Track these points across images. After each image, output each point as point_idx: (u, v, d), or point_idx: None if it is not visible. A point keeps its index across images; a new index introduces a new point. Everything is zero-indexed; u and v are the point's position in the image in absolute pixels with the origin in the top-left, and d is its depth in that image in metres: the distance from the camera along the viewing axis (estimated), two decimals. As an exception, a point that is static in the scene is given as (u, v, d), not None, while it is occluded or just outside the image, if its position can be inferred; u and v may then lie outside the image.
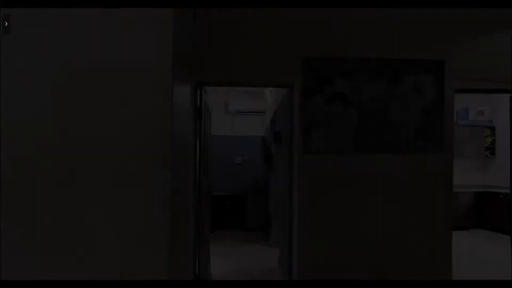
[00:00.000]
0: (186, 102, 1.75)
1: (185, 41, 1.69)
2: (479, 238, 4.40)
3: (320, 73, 2.05)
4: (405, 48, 2.14)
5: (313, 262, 2.04)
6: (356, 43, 2.11)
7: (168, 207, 1.29)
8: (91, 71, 1.24)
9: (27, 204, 1.19)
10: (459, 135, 4.86)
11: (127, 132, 1.24)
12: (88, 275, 1.21)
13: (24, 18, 1.20)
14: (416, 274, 2.12)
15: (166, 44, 1.25)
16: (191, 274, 2.08)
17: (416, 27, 2.17)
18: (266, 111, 4.91)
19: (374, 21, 2.14)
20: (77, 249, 1.22)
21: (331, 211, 2.06)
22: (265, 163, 4.23)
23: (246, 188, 5.20)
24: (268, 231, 4.14)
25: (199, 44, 1.98)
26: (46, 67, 1.22)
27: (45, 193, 1.21)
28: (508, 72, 2.22)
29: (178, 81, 1.41)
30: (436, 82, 2.14)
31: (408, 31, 2.17)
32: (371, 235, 2.09)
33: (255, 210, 4.75)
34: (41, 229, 1.20)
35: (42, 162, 1.20)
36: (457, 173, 5.24)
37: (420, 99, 2.13)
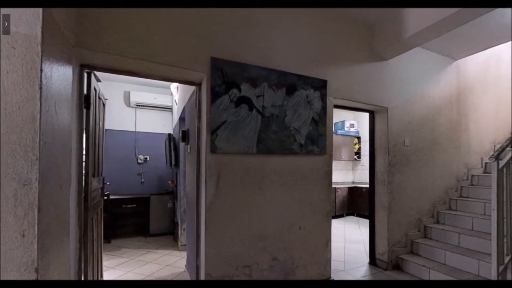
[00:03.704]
0: (67, 88, 1.42)
1: (66, 12, 1.37)
2: (351, 223, 5.44)
3: (228, 75, 2.06)
4: (300, 65, 2.41)
5: (221, 261, 2.02)
6: (261, 53, 2.23)
7: (34, 217, 1.01)
8: None
9: None
10: (338, 142, 5.98)
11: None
12: None
13: None
14: (306, 257, 2.40)
15: (32, 9, 0.97)
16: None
17: (307, 49, 2.47)
18: (174, 107, 4.62)
19: (276, 35, 2.31)
20: None
21: (237, 209, 2.09)
22: (172, 163, 3.97)
23: (151, 189, 4.75)
24: (176, 235, 3.92)
25: (90, 19, 1.61)
26: None
27: None
28: (366, 96, 2.86)
29: (52, 58, 1.12)
30: (321, 98, 2.51)
31: (303, 50, 2.44)
32: (272, 228, 2.24)
33: (161, 213, 4.37)
34: None
35: None
36: (336, 172, 6.51)
37: (310, 111, 2.45)
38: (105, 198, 3.25)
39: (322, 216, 2.53)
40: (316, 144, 2.49)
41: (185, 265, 2.96)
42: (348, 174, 6.77)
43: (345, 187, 6.08)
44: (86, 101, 1.81)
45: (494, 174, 2.23)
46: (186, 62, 1.95)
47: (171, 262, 3.18)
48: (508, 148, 2.35)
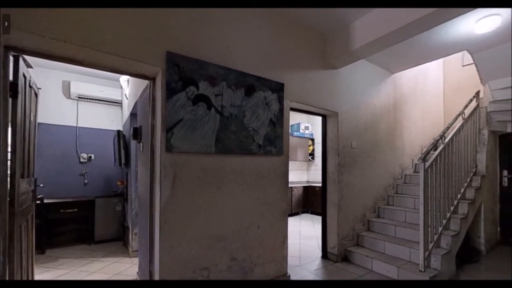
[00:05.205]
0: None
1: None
2: (305, 220, 5.69)
3: (185, 72, 1.96)
4: (258, 67, 2.42)
5: (177, 265, 1.90)
6: (220, 52, 2.17)
7: None
8: None
9: None
10: (294, 144, 6.20)
11: None
12: None
13: None
14: (264, 255, 2.41)
15: None
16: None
17: (266, 52, 2.50)
18: (124, 102, 4.23)
19: (236, 36, 2.29)
20: None
21: (194, 210, 2.00)
22: (121, 162, 3.63)
23: (96, 191, 4.27)
24: (126, 240, 3.58)
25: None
26: None
27: None
28: (319, 101, 3.00)
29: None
30: (279, 100, 2.56)
31: (262, 53, 2.46)
32: (231, 228, 2.20)
33: (108, 217, 3.94)
34: None
35: None
36: (292, 172, 6.77)
37: (268, 112, 2.47)
38: (38, 202, 2.80)
39: (279, 214, 2.57)
40: (273, 145, 2.52)
41: (137, 272, 2.73)
42: (303, 174, 7.08)
43: (300, 186, 6.34)
44: (12, 89, 1.52)
45: (421, 174, 2.56)
46: (139, 54, 1.79)
47: (120, 270, 2.89)
48: (432, 151, 2.74)
